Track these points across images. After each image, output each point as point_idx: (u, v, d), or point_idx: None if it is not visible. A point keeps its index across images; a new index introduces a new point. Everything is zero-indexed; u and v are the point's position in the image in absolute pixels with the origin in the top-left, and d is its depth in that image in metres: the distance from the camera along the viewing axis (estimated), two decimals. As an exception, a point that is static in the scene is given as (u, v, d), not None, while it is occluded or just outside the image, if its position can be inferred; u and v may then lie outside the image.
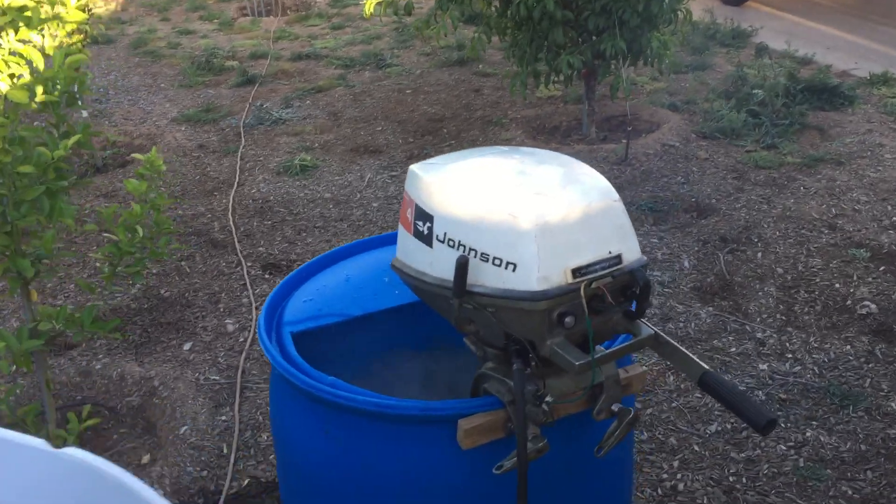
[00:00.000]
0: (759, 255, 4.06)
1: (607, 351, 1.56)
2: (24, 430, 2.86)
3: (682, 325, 3.58)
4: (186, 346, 3.64)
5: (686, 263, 4.03)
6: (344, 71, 7.48)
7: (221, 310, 3.89)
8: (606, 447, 1.64)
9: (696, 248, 4.16)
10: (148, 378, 3.49)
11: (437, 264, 1.62)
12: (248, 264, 4.25)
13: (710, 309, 3.66)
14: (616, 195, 1.60)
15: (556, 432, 1.61)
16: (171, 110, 6.70)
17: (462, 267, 1.53)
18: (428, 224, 1.63)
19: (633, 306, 1.59)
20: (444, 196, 1.60)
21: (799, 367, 3.30)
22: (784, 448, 2.91)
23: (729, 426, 3.00)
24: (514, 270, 1.51)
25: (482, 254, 1.54)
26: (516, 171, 1.66)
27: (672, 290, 3.81)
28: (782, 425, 3.00)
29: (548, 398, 1.57)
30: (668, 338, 1.63)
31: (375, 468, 1.69)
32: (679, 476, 2.84)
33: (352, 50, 8.14)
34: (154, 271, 4.20)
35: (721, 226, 4.35)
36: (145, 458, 3.19)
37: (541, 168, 1.66)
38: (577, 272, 1.51)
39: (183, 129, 6.27)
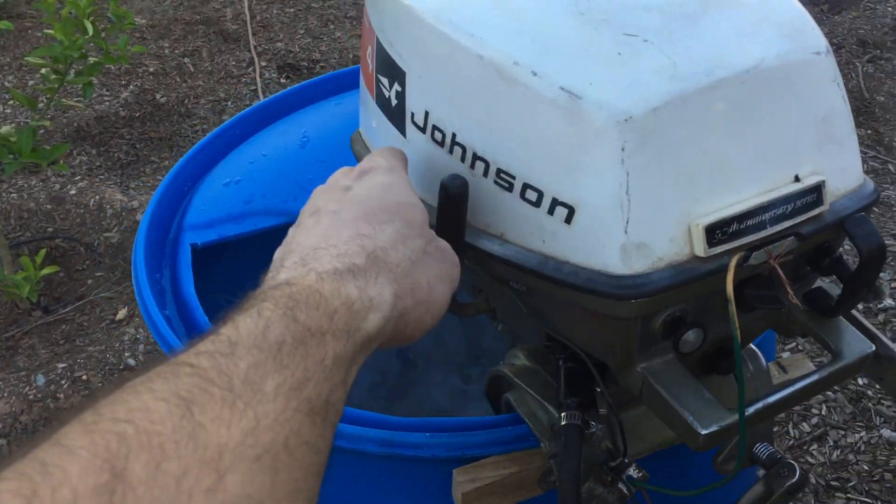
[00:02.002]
0: (911, 65, 2.97)
1: (769, 401, 0.67)
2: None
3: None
4: (179, 171, 2.84)
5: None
6: None
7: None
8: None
9: (827, 55, 3.07)
10: (131, 210, 2.72)
11: (415, 171, 0.73)
12: (262, 64, 3.35)
13: (842, 140, 2.66)
14: (820, 37, 0.65)
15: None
16: None
17: (455, 202, 0.65)
18: (397, 87, 0.72)
19: (824, 289, 0.71)
20: (427, 33, 0.67)
21: (959, 226, 2.35)
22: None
23: (863, 302, 2.12)
24: (568, 221, 0.62)
25: (500, 172, 0.65)
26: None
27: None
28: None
29: (631, 470, 0.72)
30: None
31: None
32: (789, 374, 2.01)
33: None
34: (151, 69, 3.34)
35: (860, 24, 3.21)
36: (121, 313, 2.46)
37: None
38: (717, 231, 0.61)
39: None
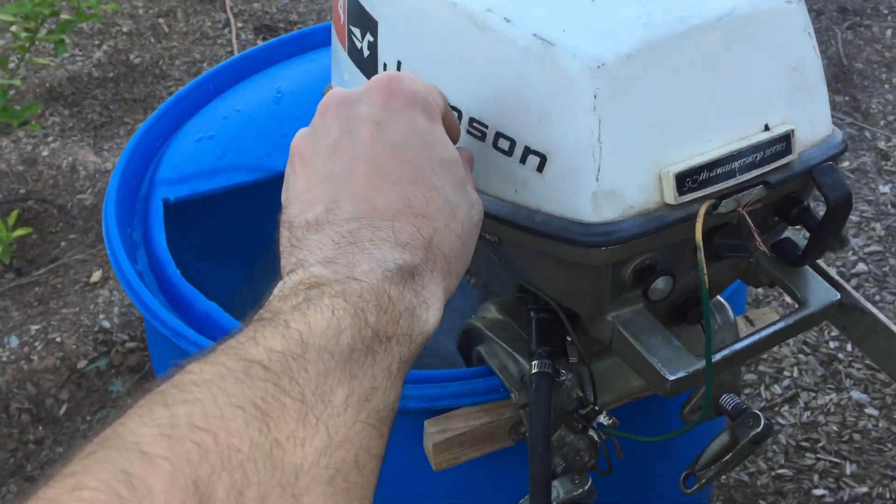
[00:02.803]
0: (889, 32, 2.97)
1: (735, 348, 0.68)
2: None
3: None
4: (153, 133, 2.81)
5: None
6: None
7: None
8: (705, 480, 0.81)
9: (806, 22, 3.07)
10: (104, 172, 2.69)
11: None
12: (239, 25, 3.31)
13: (819, 107, 2.68)
14: (791, -12, 0.66)
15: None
16: None
17: None
18: (369, 38, 0.72)
19: (790, 237, 0.72)
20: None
21: (933, 192, 2.38)
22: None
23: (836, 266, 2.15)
24: (539, 169, 0.63)
25: (473, 122, 0.65)
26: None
27: (769, 77, 2.80)
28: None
29: (602, 417, 0.73)
30: (869, 305, 0.75)
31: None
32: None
33: None
34: (125, 30, 3.29)
35: (840, -10, 3.22)
36: (95, 275, 2.45)
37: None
38: (687, 179, 0.61)
39: None
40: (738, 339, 0.67)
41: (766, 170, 0.63)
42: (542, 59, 0.60)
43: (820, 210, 0.67)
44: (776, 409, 1.91)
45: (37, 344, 1.91)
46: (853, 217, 2.31)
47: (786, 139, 0.63)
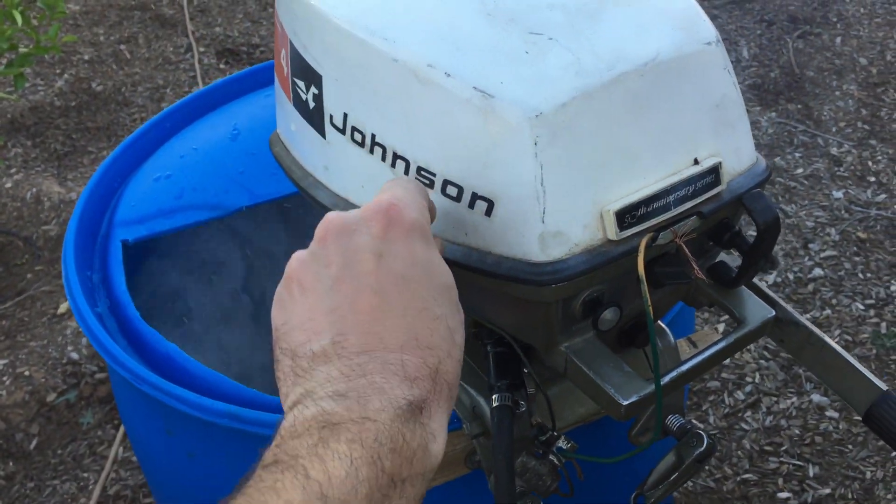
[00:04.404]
0: (839, 40, 3.06)
1: (682, 369, 0.71)
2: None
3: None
4: (117, 161, 2.81)
5: (745, 52, 3.04)
6: None
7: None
8: (654, 499, 0.84)
9: (759, 32, 3.14)
10: (69, 202, 2.70)
11: (337, 172, 0.76)
12: (201, 50, 3.32)
13: (773, 115, 2.74)
14: (711, 29, 0.70)
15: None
16: None
17: None
18: (314, 90, 0.74)
19: (725, 261, 0.75)
20: (341, 38, 0.69)
21: (884, 196, 2.45)
22: (861, 308, 2.13)
23: (794, 272, 2.21)
24: (488, 213, 0.66)
25: (421, 170, 0.68)
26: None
27: (724, 87, 2.86)
28: (860, 276, 2.21)
29: (560, 442, 0.76)
30: (802, 319, 0.78)
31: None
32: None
33: None
34: (86, 57, 3.29)
35: (791, 0, 3.29)
36: (62, 307, 2.45)
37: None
38: (626, 216, 0.65)
39: None
40: (683, 361, 0.70)
41: (699, 201, 0.67)
42: (484, 111, 0.63)
43: (751, 234, 0.71)
44: (739, 414, 1.96)
45: (5, 378, 1.91)
46: (808, 223, 2.37)
47: (714, 171, 0.67)
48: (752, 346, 2.08)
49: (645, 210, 0.65)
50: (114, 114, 3.04)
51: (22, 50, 2.25)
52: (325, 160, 0.76)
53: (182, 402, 0.86)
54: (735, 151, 0.69)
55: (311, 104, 0.74)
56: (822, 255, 2.29)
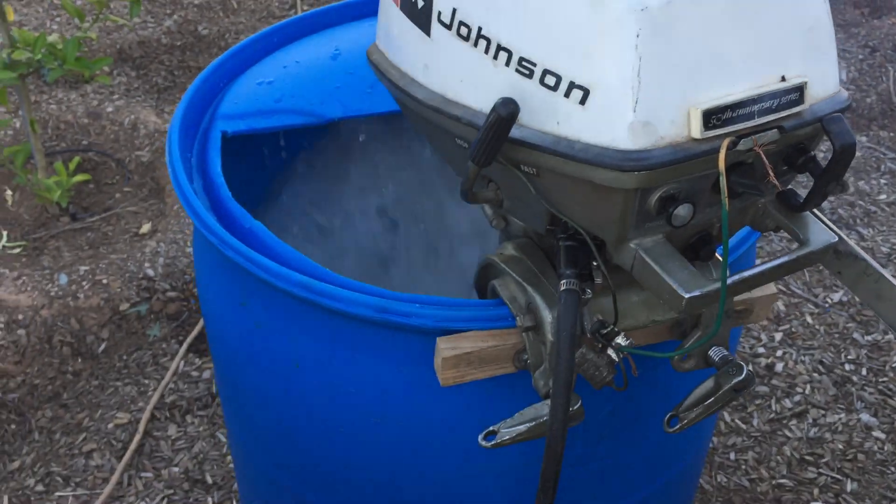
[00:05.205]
0: (937, 75, 3.04)
1: (745, 275, 0.76)
2: (13, 174, 2.32)
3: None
4: (214, 101, 2.94)
5: (843, 75, 3.03)
6: None
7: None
8: (687, 421, 0.89)
9: (861, 57, 3.12)
10: (163, 132, 2.83)
11: (436, 69, 0.82)
12: (305, 8, 3.45)
13: (863, 139, 2.74)
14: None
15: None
16: None
17: (503, 125, 0.73)
18: (431, -13, 0.81)
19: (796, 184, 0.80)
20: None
21: (961, 234, 2.43)
22: (925, 338, 2.13)
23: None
24: (582, 102, 0.72)
25: (523, 61, 0.74)
26: None
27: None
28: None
29: (619, 338, 0.81)
30: (861, 252, 0.82)
31: (306, 368, 1.00)
32: (780, 353, 2.10)
33: None
34: (196, 2, 3.43)
35: (896, 31, 3.28)
36: (145, 227, 2.57)
37: None
38: (712, 117, 0.70)
39: None
40: (747, 269, 0.75)
41: (781, 115, 0.72)
42: (592, 1, 0.69)
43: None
44: (784, 421, 1.97)
45: (84, 283, 2.02)
46: (884, 248, 2.36)
47: (799, 90, 0.72)
48: (806, 358, 2.09)
49: (730, 114, 0.70)
50: (215, 57, 3.17)
51: (140, -20, 2.37)
52: (427, 58, 0.83)
53: (260, 267, 0.93)
54: (821, 76, 0.74)
55: (420, 3, 0.81)
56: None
